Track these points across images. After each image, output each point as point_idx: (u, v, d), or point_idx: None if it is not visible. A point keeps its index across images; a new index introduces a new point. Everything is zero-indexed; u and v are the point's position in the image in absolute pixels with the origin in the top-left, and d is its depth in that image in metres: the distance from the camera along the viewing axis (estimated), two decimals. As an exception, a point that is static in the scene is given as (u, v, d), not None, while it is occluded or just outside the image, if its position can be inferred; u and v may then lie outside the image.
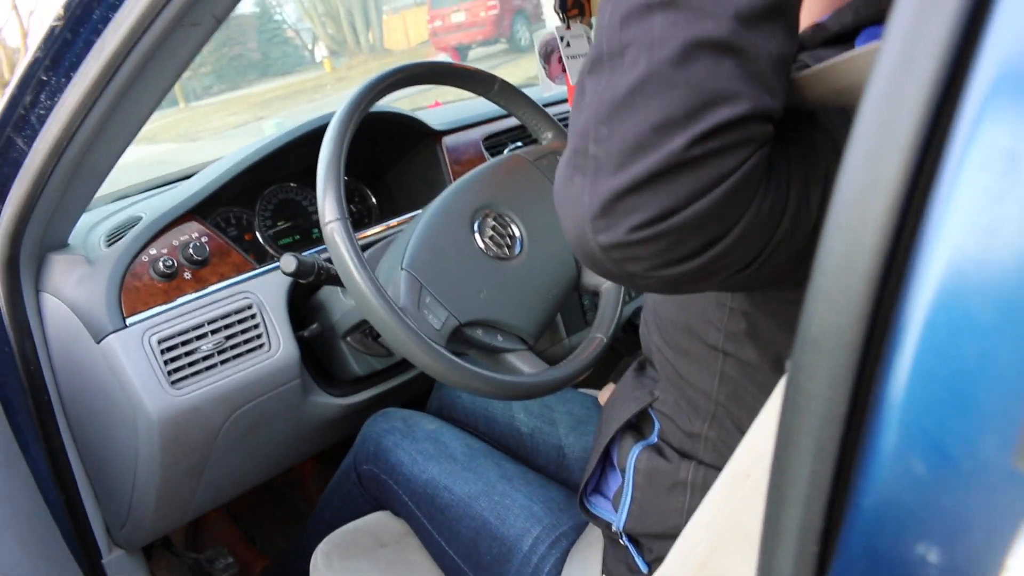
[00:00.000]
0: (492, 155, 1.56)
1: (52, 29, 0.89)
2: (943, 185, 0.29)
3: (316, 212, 1.43)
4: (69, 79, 0.91)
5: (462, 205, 1.12)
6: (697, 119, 0.45)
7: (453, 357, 0.96)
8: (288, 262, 1.05)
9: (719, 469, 0.80)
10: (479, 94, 1.24)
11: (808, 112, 0.58)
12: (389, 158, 1.52)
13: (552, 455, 1.25)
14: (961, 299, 0.29)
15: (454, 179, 1.48)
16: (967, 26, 0.29)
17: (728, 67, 0.46)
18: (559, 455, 1.25)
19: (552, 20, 1.44)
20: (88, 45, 0.89)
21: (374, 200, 1.55)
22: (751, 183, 0.48)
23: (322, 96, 11.50)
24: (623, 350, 1.69)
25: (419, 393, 1.47)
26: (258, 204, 1.39)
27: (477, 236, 1.11)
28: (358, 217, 1.53)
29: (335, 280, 1.13)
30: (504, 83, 1.23)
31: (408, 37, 13.39)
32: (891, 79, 0.31)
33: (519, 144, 1.61)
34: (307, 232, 1.45)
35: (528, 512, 1.07)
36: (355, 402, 1.31)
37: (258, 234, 1.38)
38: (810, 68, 0.52)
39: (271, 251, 1.38)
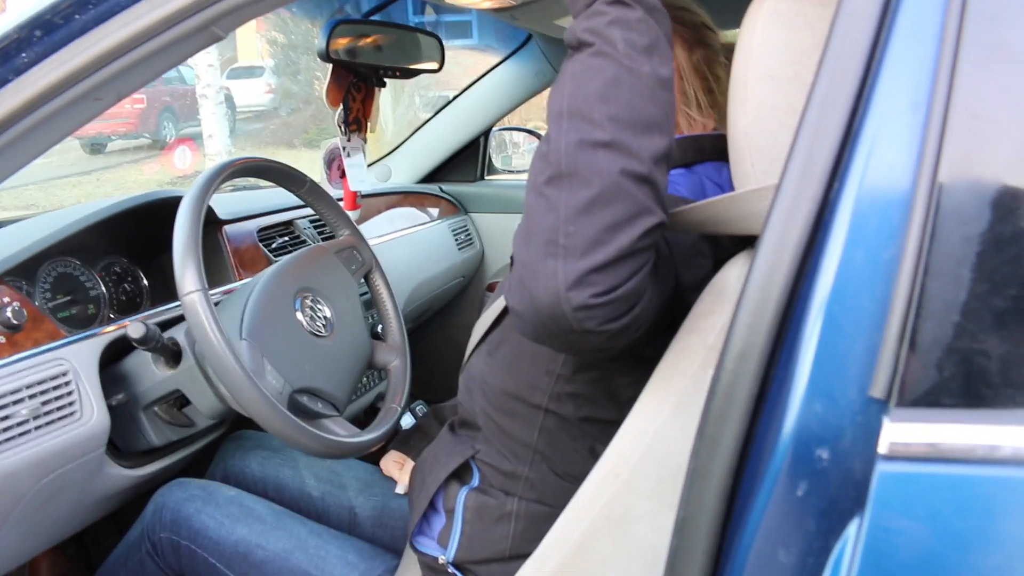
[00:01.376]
0: (264, 245, 1.69)
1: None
2: (825, 253, 0.58)
3: (92, 288, 1.46)
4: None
5: (285, 286, 1.27)
6: (634, 224, 0.71)
7: (294, 418, 1.10)
8: (136, 328, 1.11)
9: (536, 503, 1.04)
10: (291, 191, 1.40)
11: None
12: (166, 241, 1.58)
13: (344, 515, 1.39)
14: (834, 318, 0.58)
15: (235, 266, 1.59)
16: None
17: (646, 191, 0.73)
18: (351, 515, 1.39)
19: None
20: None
21: (145, 282, 1.59)
22: (651, 269, 0.76)
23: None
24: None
25: (192, 465, 1.51)
26: (38, 276, 1.37)
27: (299, 314, 1.26)
28: (130, 297, 1.55)
29: (161, 350, 1.20)
30: (313, 183, 1.41)
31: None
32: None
33: (287, 239, 1.76)
34: (84, 307, 1.45)
35: (344, 561, 1.20)
36: (145, 474, 1.33)
37: (37, 304, 1.36)
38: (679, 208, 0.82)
39: (55, 323, 1.36)
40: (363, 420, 1.87)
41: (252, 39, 14.17)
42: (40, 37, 0.91)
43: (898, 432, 0.53)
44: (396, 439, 1.46)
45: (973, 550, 0.51)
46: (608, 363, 0.98)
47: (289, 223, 1.79)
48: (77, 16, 0.90)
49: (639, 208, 0.71)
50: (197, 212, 1.12)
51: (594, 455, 0.99)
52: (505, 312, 1.05)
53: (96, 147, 10.84)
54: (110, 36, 0.91)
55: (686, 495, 0.65)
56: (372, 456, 1.50)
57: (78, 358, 1.19)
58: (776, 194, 0.62)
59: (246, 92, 12.94)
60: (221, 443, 1.53)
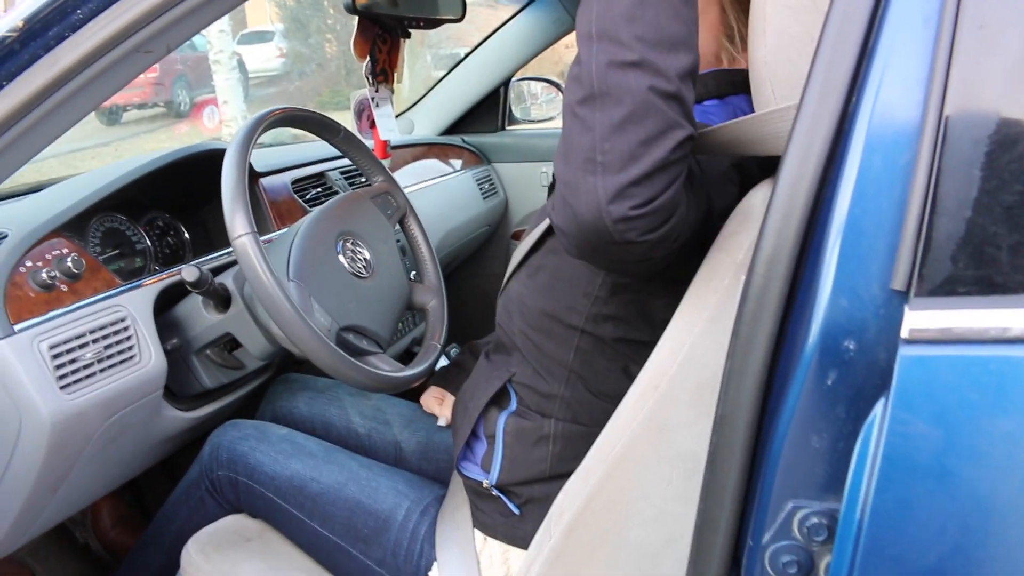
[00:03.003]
0: (299, 196, 1.75)
1: (3, 39, 0.96)
2: (847, 161, 0.63)
3: (139, 242, 1.52)
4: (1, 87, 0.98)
5: (327, 230, 1.32)
6: (666, 138, 0.75)
7: (344, 353, 1.16)
8: (191, 272, 1.17)
9: (572, 423, 1.10)
10: (326, 140, 1.45)
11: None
12: (207, 194, 1.64)
13: (390, 450, 1.46)
14: (856, 220, 0.63)
15: (272, 216, 1.65)
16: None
17: (675, 106, 0.77)
18: (396, 450, 1.46)
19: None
20: (34, 58, 0.97)
21: (187, 235, 1.65)
22: (685, 181, 0.80)
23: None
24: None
25: (241, 409, 1.58)
26: (88, 231, 1.44)
27: (341, 257, 1.32)
28: (174, 249, 1.61)
29: (212, 294, 1.26)
30: (348, 132, 1.46)
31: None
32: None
33: (320, 190, 1.82)
34: (131, 260, 1.52)
35: (395, 490, 1.27)
36: (199, 416, 1.41)
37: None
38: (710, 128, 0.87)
39: (109, 273, 1.43)
40: (405, 359, 1.93)
41: (261, 3, 14.10)
42: (93, -6, 0.96)
43: (918, 319, 0.58)
44: (436, 375, 1.52)
45: (985, 420, 0.56)
46: (644, 284, 1.03)
47: (321, 175, 1.85)
48: (127, -27, 0.95)
49: (669, 123, 0.75)
50: (243, 160, 1.18)
51: (628, 375, 1.06)
52: (545, 237, 1.10)
53: (112, 118, 10.91)
54: (158, -9, 0.96)
55: (723, 394, 0.71)
56: (413, 393, 1.57)
57: (134, 305, 1.26)
58: (799, 110, 0.66)
59: (258, 57, 12.92)
60: (269, 386, 1.60)
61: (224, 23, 8.40)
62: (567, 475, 1.07)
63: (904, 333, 0.58)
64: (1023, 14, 0.61)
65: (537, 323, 1.11)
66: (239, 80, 8.83)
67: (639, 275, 1.02)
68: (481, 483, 1.16)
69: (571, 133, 0.78)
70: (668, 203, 0.77)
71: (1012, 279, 0.58)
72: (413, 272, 1.59)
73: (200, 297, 1.30)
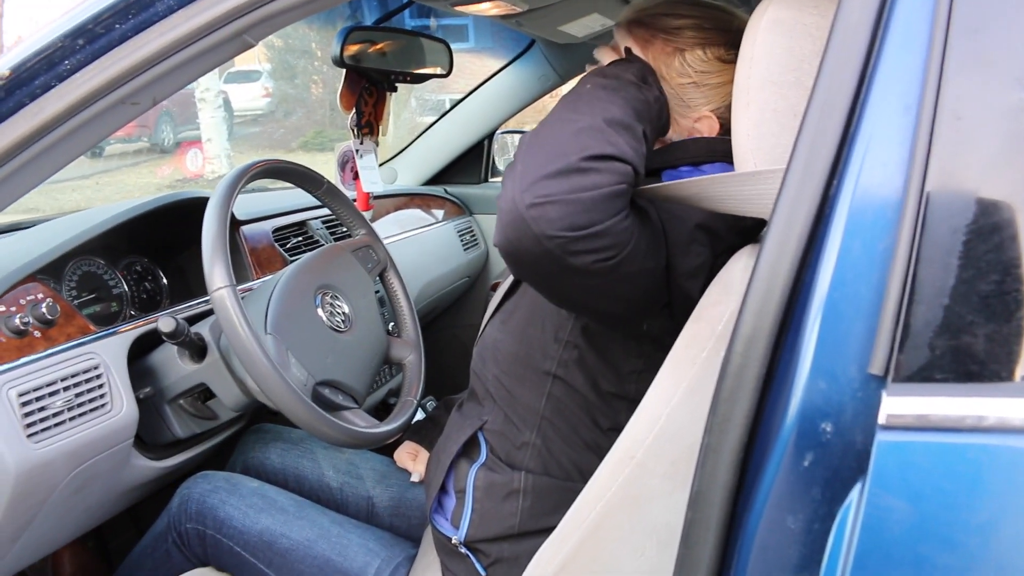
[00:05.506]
0: (279, 244, 1.75)
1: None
2: (826, 245, 0.64)
3: (115, 287, 1.51)
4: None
5: (306, 283, 1.32)
6: (581, 150, 0.82)
7: (319, 409, 1.15)
8: (167, 322, 1.16)
9: (542, 475, 1.10)
10: (309, 192, 1.45)
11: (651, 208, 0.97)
12: (185, 240, 1.63)
13: (362, 505, 1.44)
14: (835, 304, 0.63)
15: (252, 264, 1.65)
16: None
17: (597, 134, 0.85)
18: (369, 505, 1.44)
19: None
20: (19, 106, 0.97)
21: (165, 281, 1.64)
22: (617, 199, 0.83)
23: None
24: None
25: (212, 458, 1.56)
26: (65, 275, 1.42)
27: (320, 310, 1.31)
28: (151, 295, 1.60)
29: (188, 344, 1.25)
30: (331, 184, 1.46)
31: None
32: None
33: (300, 239, 1.81)
34: (107, 305, 1.50)
35: (366, 548, 1.25)
36: (169, 465, 1.38)
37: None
38: (666, 183, 0.90)
39: (83, 319, 1.42)
40: (376, 415, 1.92)
41: (249, 43, 14.17)
42: (82, 46, 0.96)
43: (895, 405, 0.58)
44: (409, 430, 1.51)
45: (961, 509, 0.56)
46: (611, 333, 1.06)
47: (303, 223, 1.85)
48: (117, 25, 0.96)
49: (586, 142, 0.84)
50: (224, 212, 1.17)
51: (598, 426, 1.08)
52: (519, 281, 1.14)
53: (95, 151, 10.87)
54: (147, 45, 0.96)
55: (700, 470, 0.71)
56: (387, 447, 1.55)
57: (108, 352, 1.24)
58: (779, 194, 0.67)
59: (243, 96, 12.97)
60: (241, 436, 1.58)
61: (211, 62, 8.45)
62: (535, 533, 1.07)
63: (882, 419, 0.58)
64: (998, 108, 0.62)
65: (510, 368, 1.12)
66: (223, 118, 8.85)
67: (596, 313, 1.03)
68: (450, 539, 1.15)
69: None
70: (587, 202, 0.81)
71: (988, 368, 0.58)
72: (392, 324, 1.58)
73: (175, 346, 1.29)
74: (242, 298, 1.35)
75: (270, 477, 1.47)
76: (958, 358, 0.59)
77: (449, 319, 2.58)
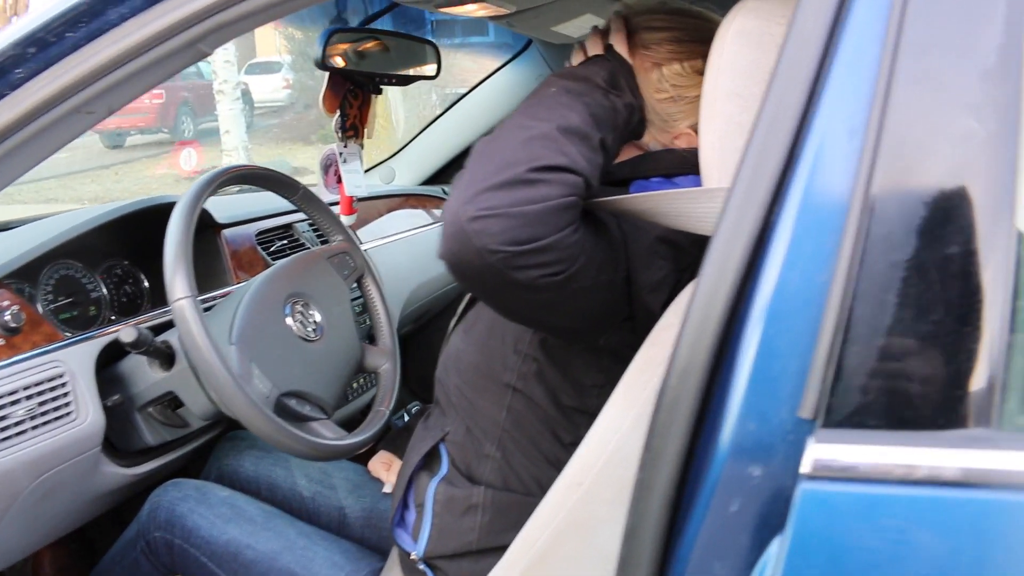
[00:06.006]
0: (263, 249, 1.73)
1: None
2: (762, 278, 0.61)
3: (94, 291, 1.50)
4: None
5: (276, 292, 1.30)
6: (527, 162, 0.79)
7: (280, 421, 1.13)
8: (128, 333, 1.15)
9: (501, 489, 1.08)
10: (284, 197, 1.43)
11: (612, 219, 0.94)
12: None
13: (334, 516, 1.42)
14: (769, 340, 0.60)
15: (233, 269, 1.63)
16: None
17: (546, 143, 0.82)
18: (340, 515, 1.42)
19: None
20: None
21: (147, 284, 1.63)
22: (565, 212, 0.80)
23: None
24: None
25: (188, 465, 1.55)
26: (41, 279, 1.41)
27: (289, 319, 1.29)
28: (131, 298, 1.59)
29: (154, 352, 1.24)
30: (306, 190, 1.44)
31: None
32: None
33: (286, 242, 1.80)
34: (85, 309, 1.49)
35: (330, 562, 1.24)
36: (140, 472, 1.37)
37: (39, 307, 1.40)
38: (622, 196, 0.86)
39: (53, 326, 1.41)
40: (359, 421, 1.90)
41: (270, 35, 14.25)
42: (34, 54, 0.94)
43: (822, 452, 0.55)
44: (385, 440, 1.49)
45: (885, 568, 0.53)
46: (570, 347, 1.03)
47: (288, 226, 1.83)
48: (69, 34, 0.94)
49: (536, 151, 0.81)
50: (188, 220, 1.16)
51: (559, 441, 1.06)
52: None
53: (115, 141, 10.98)
54: (100, 53, 0.94)
55: (633, 505, 0.68)
56: (362, 457, 1.53)
57: (75, 360, 1.23)
58: (720, 217, 0.64)
59: (264, 87, 13.04)
60: (217, 443, 1.56)
61: (231, 53, 8.48)
62: (493, 550, 1.04)
63: (805, 467, 0.55)
64: (946, 135, 0.59)
65: (472, 379, 1.10)
66: (242, 111, 8.88)
67: (549, 328, 1.01)
68: (410, 555, 1.13)
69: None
70: (529, 215, 0.78)
71: (923, 415, 0.55)
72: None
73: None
74: (212, 306, 1.34)
75: (243, 485, 1.46)
76: (893, 403, 0.56)
77: (443, 321, 2.55)
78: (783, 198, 0.62)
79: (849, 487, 0.54)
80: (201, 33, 0.94)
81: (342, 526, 1.41)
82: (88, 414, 1.22)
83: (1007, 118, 0.57)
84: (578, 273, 0.83)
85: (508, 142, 0.83)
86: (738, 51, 0.85)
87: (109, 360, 1.33)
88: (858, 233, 0.58)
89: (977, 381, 0.55)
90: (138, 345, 1.16)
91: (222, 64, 8.29)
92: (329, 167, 1.67)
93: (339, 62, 1.53)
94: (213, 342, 1.09)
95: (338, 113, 1.61)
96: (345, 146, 1.66)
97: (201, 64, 10.77)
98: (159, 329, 1.33)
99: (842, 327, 0.57)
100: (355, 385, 1.76)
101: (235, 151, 8.58)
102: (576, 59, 1.12)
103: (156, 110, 10.75)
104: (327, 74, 1.56)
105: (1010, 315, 0.55)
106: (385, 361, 1.45)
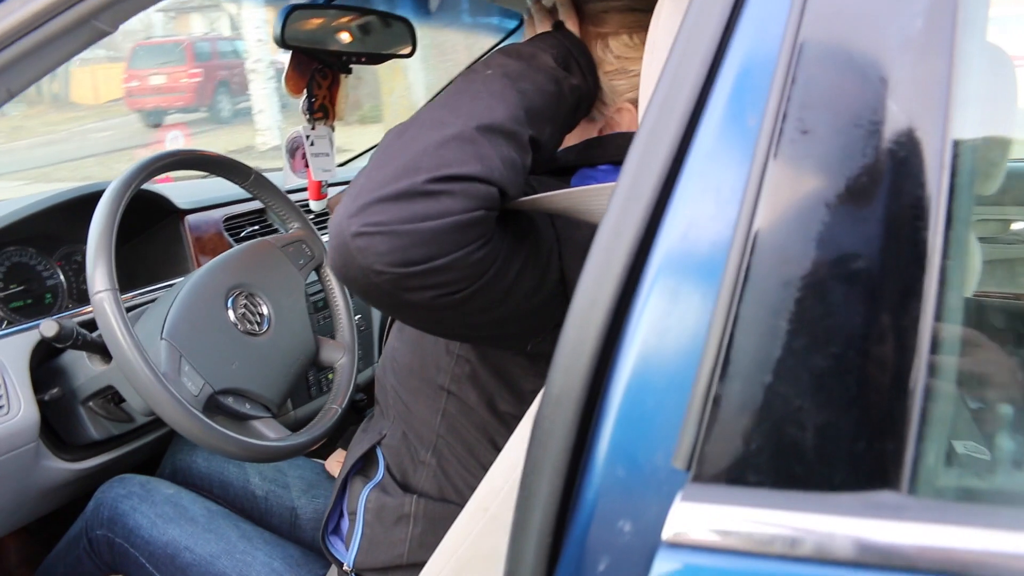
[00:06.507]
0: (232, 235, 1.66)
1: None
2: (639, 301, 0.51)
3: (50, 278, 1.44)
4: None
5: (217, 283, 1.23)
6: (425, 171, 0.68)
7: (208, 421, 1.06)
8: (49, 326, 1.08)
9: (435, 499, 1.00)
10: (236, 183, 1.36)
11: (544, 216, 0.83)
12: (129, 231, 1.56)
13: (286, 516, 1.36)
14: (643, 372, 0.51)
15: (195, 256, 1.57)
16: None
17: (469, 150, 0.70)
18: (292, 516, 1.36)
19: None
20: None
21: (108, 270, 1.57)
22: (470, 229, 0.69)
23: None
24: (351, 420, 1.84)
25: (148, 459, 1.49)
26: (-11, 266, 1.37)
27: (230, 312, 1.22)
28: (91, 285, 1.53)
29: (89, 346, 1.17)
30: (259, 175, 1.36)
31: (97, 93, 12.57)
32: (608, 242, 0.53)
33: (256, 227, 1.73)
34: (40, 297, 1.44)
35: (269, 568, 1.17)
36: (87, 467, 1.32)
37: (-15, 296, 1.35)
38: (540, 195, 0.76)
39: (1, 314, 1.36)
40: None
41: (309, 12, 14.22)
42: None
43: (688, 513, 0.46)
44: (344, 438, 1.42)
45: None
46: (503, 351, 0.95)
47: (262, 211, 1.76)
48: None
49: (445, 156, 0.70)
50: (113, 210, 1.09)
51: (496, 448, 0.97)
52: None
53: (155, 120, 11.07)
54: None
55: (509, 550, 0.59)
56: (321, 455, 1.46)
57: (7, 353, 1.18)
58: (597, 237, 0.54)
59: (302, 66, 12.98)
60: (173, 438, 1.51)
61: (263, 32, 8.44)
62: (422, 565, 0.97)
63: (667, 532, 0.46)
64: (825, 158, 0.49)
65: (406, 380, 1.03)
66: (276, 89, 8.86)
67: (461, 338, 0.93)
68: (342, 564, 1.06)
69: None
70: (424, 233, 0.67)
71: (815, 471, 0.45)
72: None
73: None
74: (154, 300, 1.28)
75: (196, 482, 1.40)
76: (779, 456, 0.46)
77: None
78: (665, 207, 0.53)
79: (716, 560, 0.45)
80: (92, 9, 0.86)
81: (294, 527, 1.35)
82: (20, 407, 1.17)
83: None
84: (482, 289, 0.73)
85: (416, 141, 0.72)
86: (673, 25, 0.75)
87: (54, 353, 1.27)
88: (744, 241, 0.48)
89: (885, 430, 0.45)
90: (61, 339, 1.10)
91: (255, 43, 8.27)
92: (296, 150, 1.59)
93: (302, 40, 1.44)
94: (134, 338, 1.03)
95: (304, 94, 1.53)
96: (313, 128, 1.58)
97: (237, 42, 10.79)
98: None
99: (722, 357, 0.47)
100: (321, 381, 1.69)
101: (268, 131, 8.58)
102: (527, 33, 1.02)
103: (194, 89, 10.81)
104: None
105: (928, 348, 0.45)
106: (342, 356, 1.38)
